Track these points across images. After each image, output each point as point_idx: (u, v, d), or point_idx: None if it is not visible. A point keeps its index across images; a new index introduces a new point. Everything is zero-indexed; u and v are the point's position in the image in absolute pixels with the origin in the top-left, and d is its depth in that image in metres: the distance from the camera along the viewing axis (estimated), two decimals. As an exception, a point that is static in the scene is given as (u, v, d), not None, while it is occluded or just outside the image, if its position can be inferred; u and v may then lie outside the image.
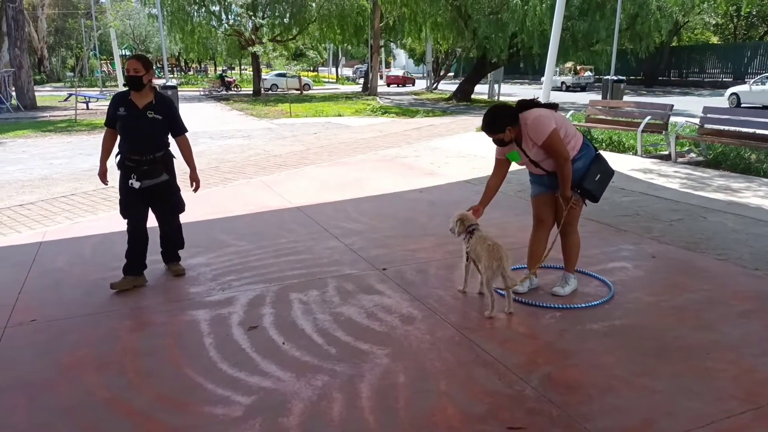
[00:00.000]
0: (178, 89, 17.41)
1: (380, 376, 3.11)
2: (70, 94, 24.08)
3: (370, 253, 5.11)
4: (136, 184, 4.23)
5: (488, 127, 3.85)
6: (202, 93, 33.40)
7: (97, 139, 13.66)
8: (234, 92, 33.83)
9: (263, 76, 35.20)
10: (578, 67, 35.72)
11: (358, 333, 3.62)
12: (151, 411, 2.84)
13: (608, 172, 4.00)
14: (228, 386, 3.04)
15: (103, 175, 4.45)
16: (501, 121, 3.79)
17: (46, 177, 9.08)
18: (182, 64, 61.32)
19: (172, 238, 4.68)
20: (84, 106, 21.12)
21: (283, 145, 12.42)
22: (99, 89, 30.07)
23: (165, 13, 26.03)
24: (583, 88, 35.29)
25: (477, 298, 4.12)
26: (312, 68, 42.74)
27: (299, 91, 32.49)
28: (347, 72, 59.40)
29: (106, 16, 33.81)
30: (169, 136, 4.37)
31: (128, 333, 3.70)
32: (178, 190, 4.56)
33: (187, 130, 4.42)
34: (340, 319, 3.81)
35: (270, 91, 34.95)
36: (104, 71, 39.26)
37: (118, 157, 4.28)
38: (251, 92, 31.91)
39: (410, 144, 12.31)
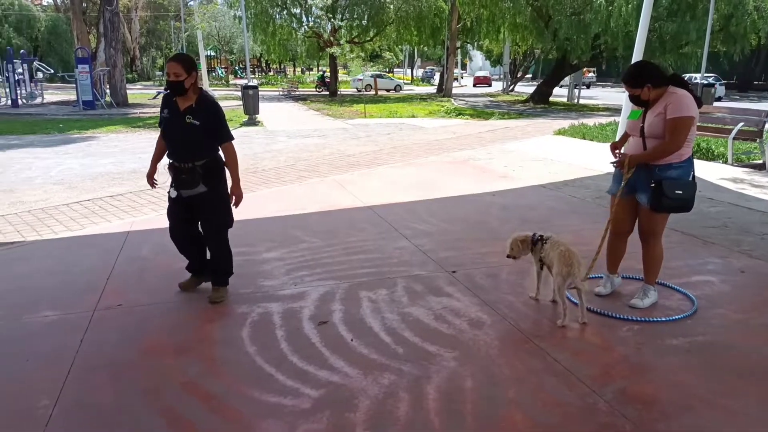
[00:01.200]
0: (259, 89, 17.94)
1: (447, 378, 3.10)
2: (159, 92, 25.43)
3: (439, 255, 5.09)
4: (173, 194, 4.00)
5: (630, 78, 3.70)
6: (281, 93, 34.39)
7: (183, 135, 14.35)
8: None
9: (359, 77, 35.88)
10: (583, 69, 40.25)
11: (425, 334, 3.61)
12: (225, 397, 2.96)
13: (687, 198, 3.69)
14: (297, 378, 3.11)
15: (150, 176, 4.19)
16: (644, 77, 3.65)
17: (135, 170, 9.63)
18: (263, 65, 63.34)
19: (215, 257, 4.21)
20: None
21: (357, 145, 12.58)
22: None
23: (249, 15, 26.97)
24: (587, 86, 40.55)
25: (549, 306, 4.01)
26: (388, 69, 43.14)
27: (374, 92, 32.80)
28: (419, 73, 59.42)
29: (194, 18, 35.42)
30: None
31: (205, 321, 3.87)
32: (224, 204, 4.06)
33: (232, 138, 3.98)
34: (408, 320, 3.82)
35: (364, 91, 35.53)
36: (191, 71, 41.16)
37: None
38: (346, 92, 32.35)
39: (484, 146, 12.16)
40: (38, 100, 23.86)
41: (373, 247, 5.35)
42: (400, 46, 40.71)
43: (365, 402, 2.89)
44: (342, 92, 34.65)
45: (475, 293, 4.24)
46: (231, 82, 47.10)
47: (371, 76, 36.63)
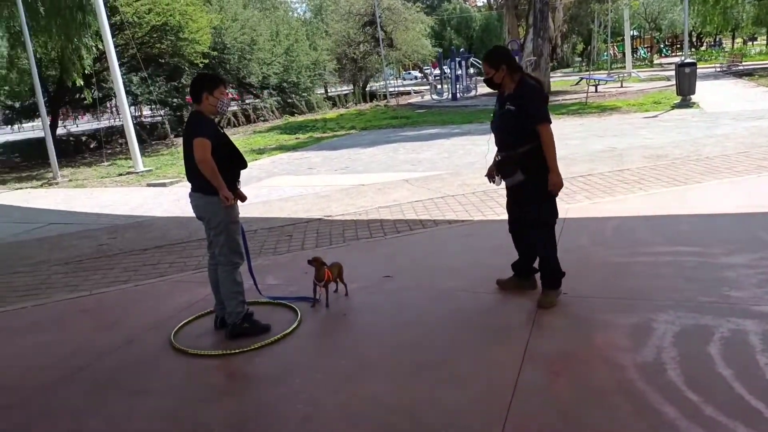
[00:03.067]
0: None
1: None
2: (582, 78, 25.40)
3: None
4: (496, 183, 4.02)
5: None
6: (717, 69, 30.16)
7: (607, 121, 13.92)
8: None
9: None
10: None
11: None
12: (698, 422, 2.51)
13: None
14: (801, 427, 2.43)
15: (489, 172, 4.08)
16: None
17: (563, 157, 9.59)
18: (693, 39, 56.91)
19: (538, 255, 3.97)
20: (593, 89, 21.87)
21: (836, 128, 9.87)
22: (606, 72, 30.79)
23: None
24: None
25: None
26: None
27: None
28: None
29: (621, -1, 34.04)
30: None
31: (665, 324, 3.43)
32: (543, 197, 3.76)
33: (546, 120, 3.65)
34: None
35: None
36: (611, 54, 40.00)
37: None
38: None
39: None
40: (472, 93, 26.83)
41: None
42: None
43: None
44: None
45: None
46: (655, 61, 43.86)
47: None
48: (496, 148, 4.03)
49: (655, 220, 5.59)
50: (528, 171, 3.73)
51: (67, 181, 12.18)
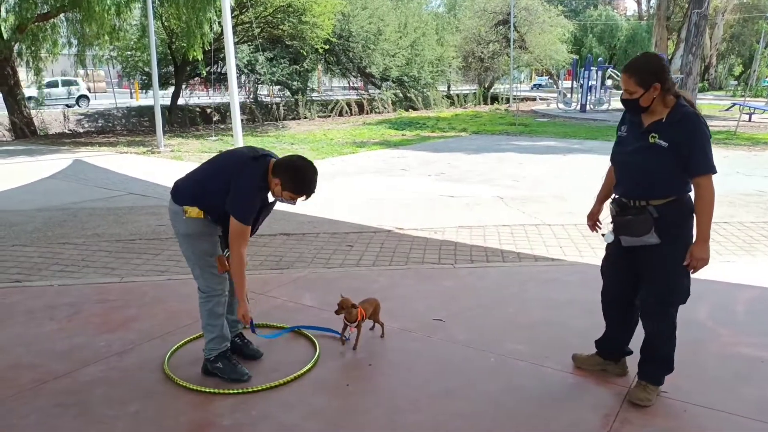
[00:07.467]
0: None
1: None
2: (734, 104, 22.50)
3: None
4: (608, 238, 2.91)
5: None
6: None
7: (758, 158, 11.89)
8: None
9: None
10: None
11: None
12: None
13: None
14: None
15: (591, 216, 3.21)
16: None
17: (696, 193, 8.16)
18: None
19: (651, 339, 2.92)
20: (746, 117, 19.18)
21: None
22: (766, 100, 27.13)
23: None
24: None
25: None
26: None
27: None
28: None
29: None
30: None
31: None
32: (681, 268, 2.73)
33: (712, 171, 2.64)
34: None
35: None
36: (775, 79, 35.44)
37: None
38: None
39: None
40: (605, 106, 24.69)
41: None
42: None
43: None
44: None
45: None
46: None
47: None
48: (603, 185, 3.17)
49: (809, 301, 4.24)
50: (664, 232, 2.71)
51: (169, 151, 12.37)
